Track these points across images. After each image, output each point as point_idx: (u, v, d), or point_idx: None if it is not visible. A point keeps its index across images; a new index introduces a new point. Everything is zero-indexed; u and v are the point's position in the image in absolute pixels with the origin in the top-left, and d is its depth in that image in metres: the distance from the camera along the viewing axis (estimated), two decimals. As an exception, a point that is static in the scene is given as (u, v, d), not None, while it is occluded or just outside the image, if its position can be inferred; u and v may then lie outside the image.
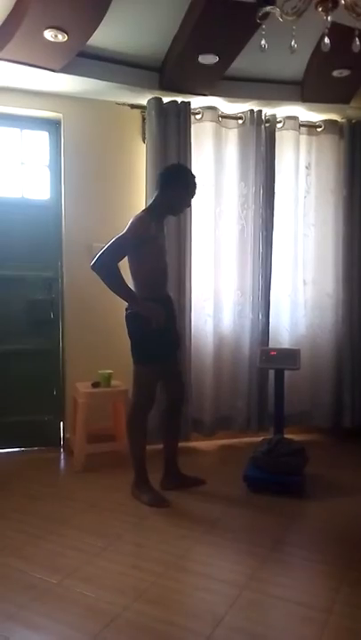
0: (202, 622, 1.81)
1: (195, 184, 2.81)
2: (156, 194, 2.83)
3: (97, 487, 3.01)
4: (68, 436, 3.60)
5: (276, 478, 2.87)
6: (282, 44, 2.06)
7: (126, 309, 2.80)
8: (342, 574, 2.10)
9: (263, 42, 2.00)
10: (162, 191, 2.77)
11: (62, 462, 3.51)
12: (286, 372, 3.35)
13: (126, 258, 2.74)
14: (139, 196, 3.61)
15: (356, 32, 1.95)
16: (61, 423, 3.67)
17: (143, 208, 2.93)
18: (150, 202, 2.88)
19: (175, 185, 2.76)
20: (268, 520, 2.61)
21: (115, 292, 2.68)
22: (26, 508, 2.72)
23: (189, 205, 2.97)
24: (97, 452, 3.34)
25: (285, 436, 3.21)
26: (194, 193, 2.84)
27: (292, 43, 1.92)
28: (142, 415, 2.78)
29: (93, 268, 2.66)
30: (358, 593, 1.99)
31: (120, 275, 2.65)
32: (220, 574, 2.14)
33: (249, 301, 3.75)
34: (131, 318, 2.78)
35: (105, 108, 3.60)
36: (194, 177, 2.83)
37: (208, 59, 3.12)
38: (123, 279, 2.67)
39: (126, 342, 3.63)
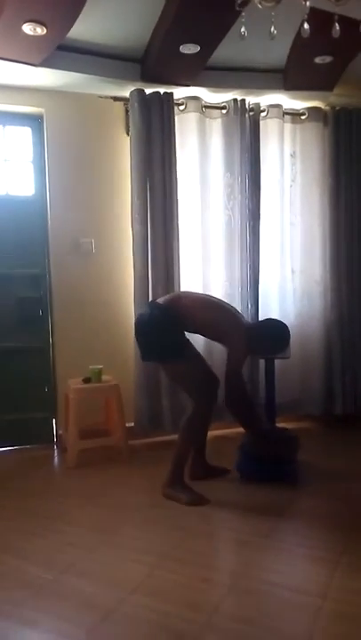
0: (198, 611, 1.82)
1: (283, 350, 2.95)
2: (256, 326, 3.00)
3: (91, 482, 3.01)
4: (60, 432, 3.59)
5: (269, 467, 2.89)
6: (263, 32, 2.04)
7: (150, 312, 2.77)
8: (336, 560, 2.12)
9: (243, 29, 1.99)
10: (259, 332, 2.84)
11: (56, 459, 3.51)
12: (277, 361, 3.36)
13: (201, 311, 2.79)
14: (124, 190, 3.60)
15: (336, 17, 1.94)
16: (54, 420, 3.66)
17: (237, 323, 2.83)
18: (248, 325, 2.92)
19: (269, 340, 2.85)
20: (262, 508, 2.62)
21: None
22: (20, 506, 2.71)
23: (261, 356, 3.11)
24: (90, 448, 3.34)
25: (278, 424, 3.23)
26: (275, 354, 2.98)
27: (272, 29, 1.91)
28: (205, 418, 2.80)
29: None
30: (352, 578, 2.01)
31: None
32: (215, 563, 2.15)
33: (238, 292, 3.76)
34: (157, 320, 2.72)
35: (87, 102, 3.57)
36: (286, 343, 2.93)
37: (189, 48, 3.10)
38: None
39: (116, 337, 3.65)
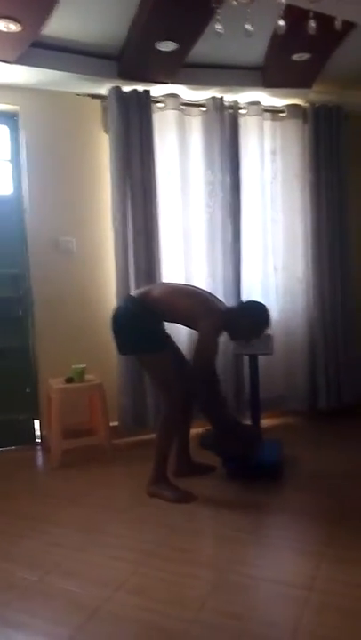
0: (184, 608, 1.82)
1: (263, 332, 2.85)
2: (234, 310, 2.81)
3: (76, 482, 2.99)
4: (44, 433, 3.56)
5: (256, 462, 2.90)
6: (240, 29, 2.05)
7: (124, 305, 2.77)
8: (322, 552, 2.14)
9: (219, 27, 1.99)
10: (237, 313, 2.77)
11: (40, 460, 3.47)
12: (261, 358, 3.37)
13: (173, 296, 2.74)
14: (104, 188, 3.58)
15: (311, 14, 1.95)
16: (37, 421, 3.63)
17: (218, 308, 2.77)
18: (225, 309, 2.82)
19: (250, 320, 2.76)
20: (248, 504, 2.63)
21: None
22: (4, 508, 2.68)
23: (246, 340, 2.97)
24: (74, 448, 3.31)
25: (262, 420, 3.24)
26: (257, 336, 2.87)
27: (248, 26, 1.91)
28: (180, 413, 2.75)
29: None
30: (338, 569, 2.02)
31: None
32: (201, 559, 2.15)
33: (220, 289, 3.75)
34: (130, 313, 2.72)
35: (64, 100, 3.54)
36: (267, 323, 2.83)
37: (166, 45, 3.09)
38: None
39: (98, 335, 3.62)
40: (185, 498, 2.64)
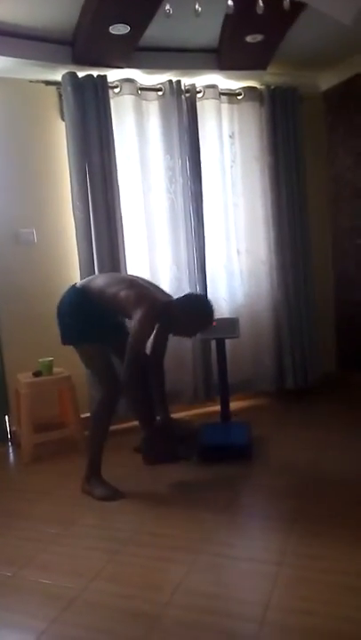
0: (160, 592, 1.85)
1: (210, 324, 2.73)
2: (174, 305, 2.66)
3: (48, 476, 2.98)
4: (14, 428, 3.52)
5: (224, 443, 2.94)
6: (192, 11, 2.02)
7: (64, 296, 2.71)
8: (290, 527, 2.20)
9: (168, 7, 1.97)
10: (177, 308, 2.64)
11: (11, 456, 3.44)
12: (228, 341, 3.41)
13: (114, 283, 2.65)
14: (63, 177, 3.51)
15: (260, -6, 1.94)
16: (6, 417, 3.58)
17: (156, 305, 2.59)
18: (165, 300, 2.68)
19: (190, 315, 2.64)
20: (218, 485, 2.68)
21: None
22: (-25, 506, 2.66)
23: (190, 336, 2.87)
24: (46, 442, 3.29)
25: (231, 402, 3.29)
26: (202, 330, 2.77)
27: (197, 6, 1.89)
28: (109, 407, 2.67)
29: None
30: (305, 543, 2.08)
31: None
32: (174, 543, 2.18)
33: (185, 275, 3.76)
34: (68, 302, 2.67)
35: (17, 87, 3.44)
36: (210, 318, 2.70)
37: (119, 29, 3.04)
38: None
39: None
40: (112, 496, 2.58)
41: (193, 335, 2.85)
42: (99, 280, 2.73)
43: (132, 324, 2.53)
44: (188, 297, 2.81)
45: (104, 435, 2.68)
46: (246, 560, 2.02)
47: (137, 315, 2.49)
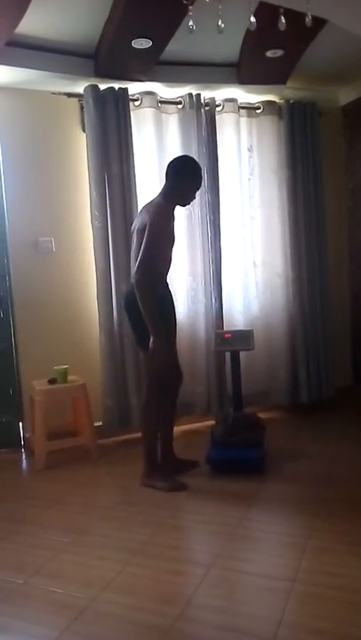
0: (171, 605, 1.83)
1: (201, 177, 2.85)
2: (165, 183, 2.80)
3: (60, 484, 2.98)
4: (28, 435, 3.54)
5: (238, 456, 2.92)
6: (214, 26, 2.04)
7: (126, 297, 2.81)
8: (304, 543, 2.17)
9: (191, 23, 1.99)
10: (171, 181, 2.76)
11: (24, 462, 3.45)
12: (242, 354, 3.40)
13: (134, 240, 2.74)
14: (82, 187, 3.56)
15: (281, 10, 1.96)
16: (20, 423, 3.60)
17: (155, 196, 2.82)
18: (162, 190, 2.82)
19: (183, 176, 2.75)
20: (232, 498, 2.65)
21: (146, 312, 2.62)
22: (-12, 512, 2.67)
23: (194, 198, 2.90)
24: (59, 449, 3.30)
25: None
26: (200, 185, 2.85)
27: (219, 22, 1.92)
28: (155, 401, 2.80)
29: (138, 284, 2.62)
30: (319, 560, 2.05)
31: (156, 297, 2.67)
32: (187, 556, 2.17)
33: (201, 286, 3.77)
34: (131, 306, 2.73)
35: (40, 99, 3.51)
36: (200, 169, 2.84)
37: (141, 43, 3.09)
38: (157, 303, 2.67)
39: (80, 335, 3.63)
40: (178, 486, 2.72)
41: (197, 190, 2.85)
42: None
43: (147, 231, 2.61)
44: (169, 168, 2.80)
45: (154, 423, 2.81)
46: (259, 575, 1.99)
47: (150, 221, 2.61)
